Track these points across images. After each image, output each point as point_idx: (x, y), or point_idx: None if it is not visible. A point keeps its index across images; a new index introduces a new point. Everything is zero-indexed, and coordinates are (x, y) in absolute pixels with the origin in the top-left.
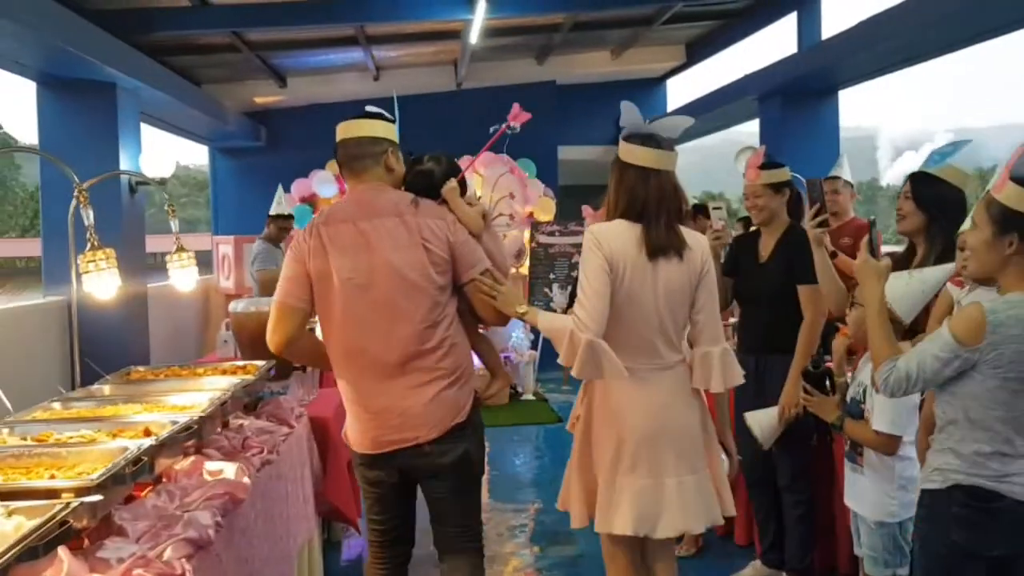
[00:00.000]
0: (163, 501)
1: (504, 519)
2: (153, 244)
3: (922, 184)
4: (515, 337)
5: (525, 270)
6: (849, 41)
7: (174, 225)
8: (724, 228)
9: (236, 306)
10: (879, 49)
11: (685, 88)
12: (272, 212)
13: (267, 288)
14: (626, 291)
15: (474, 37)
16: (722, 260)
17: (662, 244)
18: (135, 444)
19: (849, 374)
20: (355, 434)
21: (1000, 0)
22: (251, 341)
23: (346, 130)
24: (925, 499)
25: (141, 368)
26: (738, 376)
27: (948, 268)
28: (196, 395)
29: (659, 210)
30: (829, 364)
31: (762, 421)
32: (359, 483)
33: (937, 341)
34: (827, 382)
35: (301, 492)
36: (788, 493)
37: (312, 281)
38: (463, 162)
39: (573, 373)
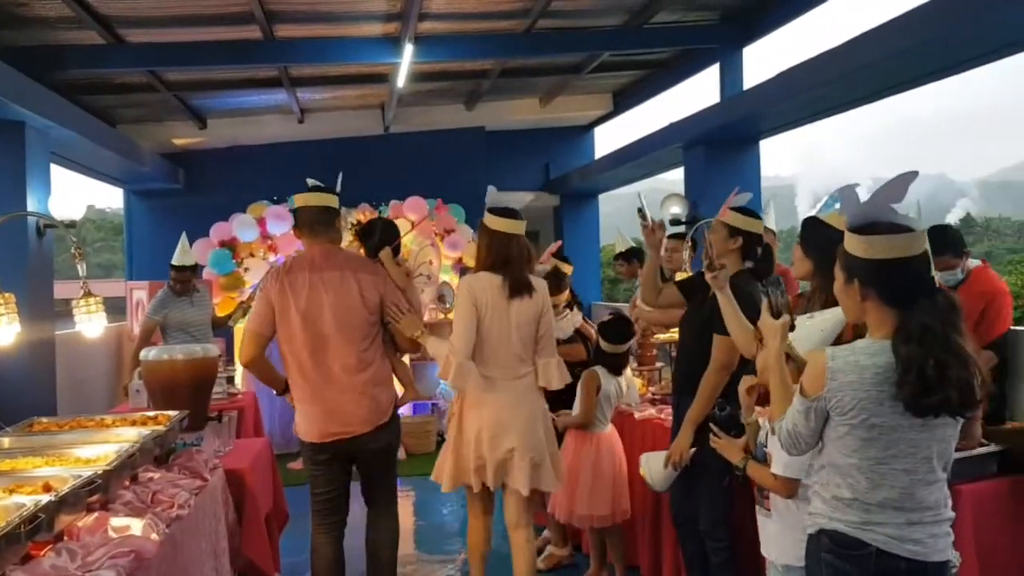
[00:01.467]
0: (63, 561)
1: (431, 570)
2: (66, 291)
3: (808, 230)
4: (443, 385)
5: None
6: (769, 91)
7: (81, 269)
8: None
9: (147, 354)
10: (799, 99)
11: (612, 136)
12: (172, 261)
13: (144, 339)
14: (489, 323)
15: (401, 81)
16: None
17: (519, 288)
18: (32, 500)
19: (763, 419)
20: (306, 428)
21: (916, 53)
22: (163, 390)
23: (307, 199)
24: (807, 545)
25: (44, 419)
26: (567, 377)
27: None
28: (103, 447)
29: (517, 263)
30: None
31: (652, 465)
32: (307, 466)
33: (796, 395)
34: (735, 424)
35: (215, 548)
36: (709, 539)
37: (276, 315)
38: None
39: (447, 383)
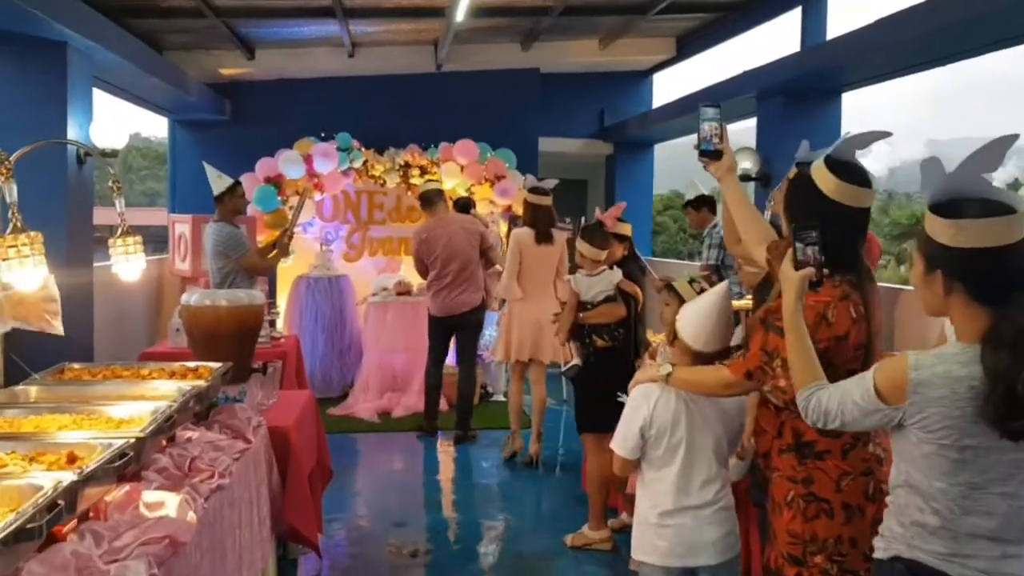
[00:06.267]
0: (86, 546)
1: (468, 535)
2: (108, 217)
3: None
4: (487, 336)
5: None
6: (858, 42)
7: (119, 205)
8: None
9: (189, 298)
10: (889, 52)
11: (672, 83)
12: (223, 190)
13: (258, 270)
14: (528, 261)
15: (460, 15)
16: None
17: (544, 237)
18: (53, 480)
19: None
20: (436, 307)
21: (1018, 9)
22: (204, 338)
23: (425, 187)
24: (874, 569)
25: (76, 366)
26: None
27: (722, 288)
28: (137, 405)
29: (544, 223)
30: None
31: None
32: (430, 329)
33: (860, 386)
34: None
35: (257, 515)
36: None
37: (424, 254)
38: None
39: (501, 293)
